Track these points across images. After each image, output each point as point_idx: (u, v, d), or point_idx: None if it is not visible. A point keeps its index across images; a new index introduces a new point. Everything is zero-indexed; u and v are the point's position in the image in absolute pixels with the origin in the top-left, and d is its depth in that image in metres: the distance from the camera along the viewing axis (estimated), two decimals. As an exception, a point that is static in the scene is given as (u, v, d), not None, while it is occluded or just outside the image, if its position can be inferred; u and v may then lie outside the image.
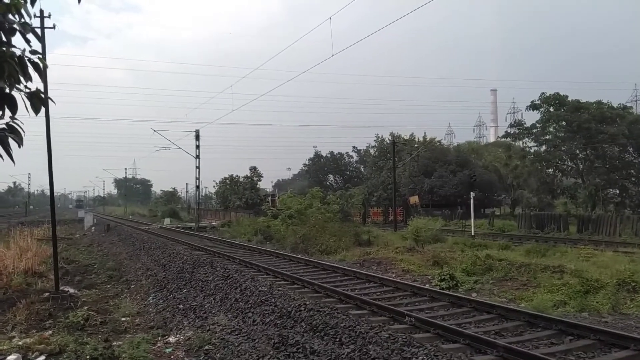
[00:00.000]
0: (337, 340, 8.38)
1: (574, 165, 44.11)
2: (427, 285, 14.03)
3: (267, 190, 71.81)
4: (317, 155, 76.56)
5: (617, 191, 42.43)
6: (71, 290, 15.93)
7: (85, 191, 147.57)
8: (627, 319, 10.39)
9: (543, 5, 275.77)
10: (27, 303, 13.64)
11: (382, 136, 66.19)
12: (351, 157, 77.47)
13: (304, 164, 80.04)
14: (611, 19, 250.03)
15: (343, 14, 20.50)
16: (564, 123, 41.30)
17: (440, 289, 13.24)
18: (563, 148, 42.11)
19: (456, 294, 12.10)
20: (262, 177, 66.45)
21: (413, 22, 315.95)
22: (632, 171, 41.93)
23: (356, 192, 46.22)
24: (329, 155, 76.25)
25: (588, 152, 41.71)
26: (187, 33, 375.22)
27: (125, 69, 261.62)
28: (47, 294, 14.73)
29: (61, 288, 15.48)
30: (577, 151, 42.53)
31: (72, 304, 14.01)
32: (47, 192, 32.87)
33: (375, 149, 67.39)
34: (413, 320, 9.29)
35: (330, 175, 77.02)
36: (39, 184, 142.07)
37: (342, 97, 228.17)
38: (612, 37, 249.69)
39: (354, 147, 77.49)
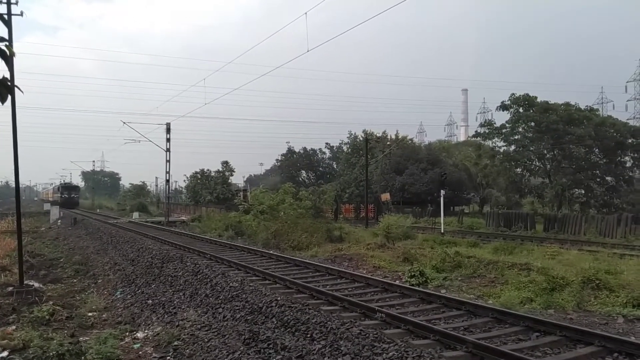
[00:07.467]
0: (309, 336, 8.36)
1: (541, 165, 44.94)
2: (397, 281, 14.16)
3: (239, 185, 71.45)
4: (290, 151, 76.26)
5: (583, 191, 43.36)
6: (36, 285, 15.48)
7: (52, 183, 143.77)
8: (591, 315, 10.64)
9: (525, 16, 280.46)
10: (-10, 297, 13.26)
11: (355, 133, 66.54)
12: (324, 153, 77.51)
13: (277, 160, 79.68)
14: (592, 30, 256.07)
15: (319, 11, 20.43)
16: (532, 124, 42.03)
17: (410, 285, 13.35)
18: (531, 148, 42.84)
19: (426, 290, 12.24)
20: (234, 172, 66.12)
21: (395, 24, 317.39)
22: (597, 172, 42.92)
23: (328, 188, 46.28)
24: (301, 151, 76.05)
25: (555, 152, 42.57)
26: (160, 26, 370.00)
27: (96, 59, 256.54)
28: (10, 288, 14.34)
29: (26, 282, 15.07)
30: (545, 151, 43.34)
31: (37, 298, 13.64)
32: (12, 184, 32.02)
33: (348, 146, 67.60)
34: (384, 316, 9.35)
35: (303, 171, 76.80)
36: (3, 175, 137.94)
37: (316, 94, 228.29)
38: (590, 44, 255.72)
39: (326, 143, 77.71)
